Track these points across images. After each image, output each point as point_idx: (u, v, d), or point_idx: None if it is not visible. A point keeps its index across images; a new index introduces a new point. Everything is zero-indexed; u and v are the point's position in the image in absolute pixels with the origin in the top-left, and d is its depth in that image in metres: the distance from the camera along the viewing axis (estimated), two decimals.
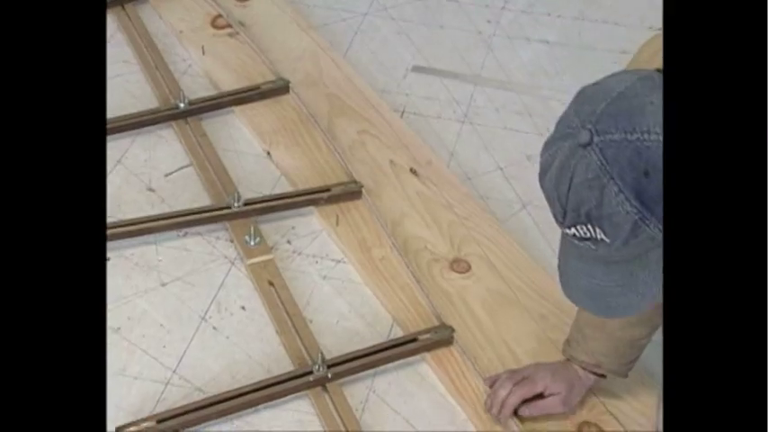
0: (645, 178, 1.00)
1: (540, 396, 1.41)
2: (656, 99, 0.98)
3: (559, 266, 1.19)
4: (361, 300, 1.60)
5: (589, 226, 1.04)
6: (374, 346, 1.50)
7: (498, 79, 2.07)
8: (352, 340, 1.52)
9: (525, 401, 1.41)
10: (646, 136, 0.97)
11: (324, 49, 2.08)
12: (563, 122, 1.07)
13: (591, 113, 1.02)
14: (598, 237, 1.04)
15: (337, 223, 1.70)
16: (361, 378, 1.48)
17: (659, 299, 1.30)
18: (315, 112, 1.90)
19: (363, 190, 1.74)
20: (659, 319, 1.39)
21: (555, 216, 1.09)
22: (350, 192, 1.74)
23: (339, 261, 1.66)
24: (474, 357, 1.49)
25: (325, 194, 1.72)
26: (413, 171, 1.81)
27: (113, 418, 1.38)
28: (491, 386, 1.44)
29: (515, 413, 1.41)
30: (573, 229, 1.06)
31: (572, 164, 1.03)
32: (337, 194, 1.73)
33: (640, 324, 1.35)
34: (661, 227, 1.01)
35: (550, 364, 1.44)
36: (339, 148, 1.83)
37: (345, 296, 1.60)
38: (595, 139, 1.01)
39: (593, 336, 1.36)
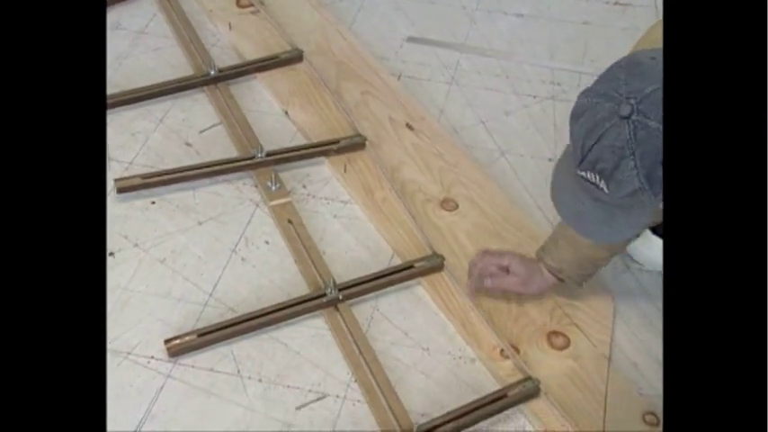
0: (659, 166, 0.99)
1: (506, 272, 1.43)
2: None
3: (554, 183, 1.18)
4: (366, 234, 1.61)
5: (598, 177, 1.04)
6: (377, 273, 1.51)
7: (480, 47, 2.06)
8: (359, 268, 1.54)
9: (491, 276, 1.43)
10: None
11: (332, 24, 2.07)
12: (611, 82, 1.03)
13: (638, 91, 0.99)
14: (600, 186, 1.04)
15: (345, 170, 1.71)
16: (366, 299, 1.49)
17: (627, 238, 1.32)
18: (325, 77, 1.90)
19: (367, 142, 1.75)
20: (620, 249, 1.44)
21: (573, 154, 1.08)
22: (355, 144, 1.74)
23: (347, 202, 1.67)
24: (461, 281, 1.51)
25: (334, 146, 1.73)
26: (408, 126, 1.81)
27: (161, 332, 1.41)
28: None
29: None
30: (583, 172, 1.06)
31: (606, 126, 1.01)
32: (345, 146, 1.73)
33: (605, 249, 1.37)
34: (653, 197, 1.01)
35: (522, 255, 1.45)
36: (346, 107, 1.83)
37: (352, 231, 1.61)
38: (634, 116, 0.99)
39: (565, 247, 1.38)
